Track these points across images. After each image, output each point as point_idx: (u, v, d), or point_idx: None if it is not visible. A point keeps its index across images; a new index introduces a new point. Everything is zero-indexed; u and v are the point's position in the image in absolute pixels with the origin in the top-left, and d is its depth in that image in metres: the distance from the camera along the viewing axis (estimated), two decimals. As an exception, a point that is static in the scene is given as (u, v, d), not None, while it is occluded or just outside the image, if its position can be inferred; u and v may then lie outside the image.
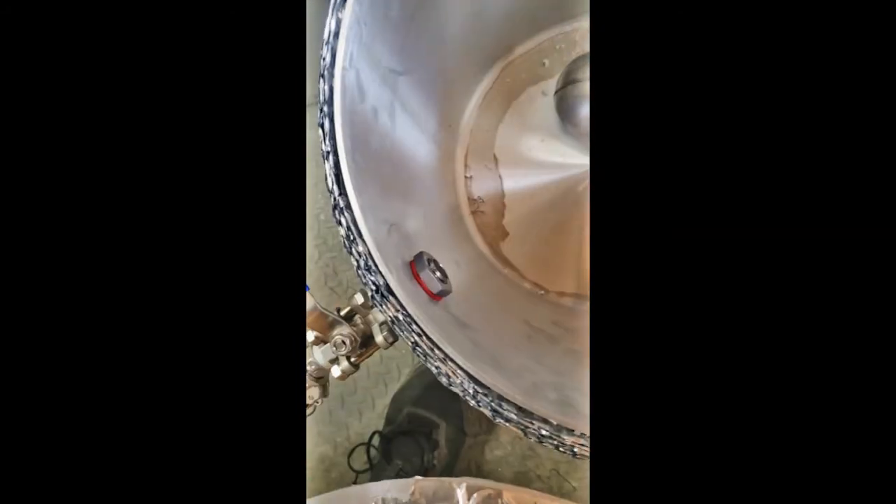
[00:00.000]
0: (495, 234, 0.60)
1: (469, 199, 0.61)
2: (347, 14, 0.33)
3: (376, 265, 0.33)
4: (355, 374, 0.40)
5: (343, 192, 0.33)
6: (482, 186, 0.61)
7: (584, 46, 0.58)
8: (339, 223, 0.33)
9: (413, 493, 0.30)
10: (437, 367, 0.32)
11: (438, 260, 0.41)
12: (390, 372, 0.67)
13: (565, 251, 0.58)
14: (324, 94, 0.33)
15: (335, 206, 0.33)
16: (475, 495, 0.30)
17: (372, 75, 0.38)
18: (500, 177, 0.61)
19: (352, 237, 0.33)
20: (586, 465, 0.56)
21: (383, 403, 0.66)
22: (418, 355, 0.32)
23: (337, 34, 0.33)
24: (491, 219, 0.61)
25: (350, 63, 0.34)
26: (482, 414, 0.32)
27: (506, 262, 0.60)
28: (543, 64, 0.59)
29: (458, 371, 0.31)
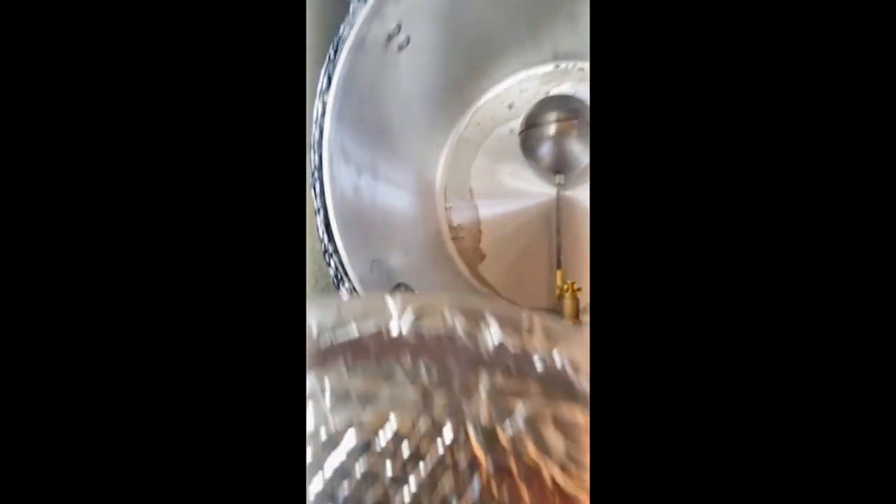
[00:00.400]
0: (473, 256, 0.68)
1: (449, 226, 0.69)
2: (331, 97, 0.42)
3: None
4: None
5: (332, 240, 0.41)
6: (460, 216, 0.69)
7: (544, 90, 0.66)
8: (329, 265, 0.42)
9: (339, 314, 0.25)
10: (410, 379, 0.40)
11: (419, 285, 0.49)
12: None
13: (537, 270, 0.66)
14: (314, 163, 0.41)
15: (325, 252, 0.42)
16: (409, 307, 0.25)
17: (354, 140, 0.46)
18: (476, 206, 0.69)
19: (339, 276, 0.41)
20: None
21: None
22: (394, 370, 0.40)
23: (323, 114, 0.41)
24: (469, 243, 0.69)
25: (335, 135, 0.42)
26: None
27: (483, 282, 0.67)
28: (510, 107, 0.68)
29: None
